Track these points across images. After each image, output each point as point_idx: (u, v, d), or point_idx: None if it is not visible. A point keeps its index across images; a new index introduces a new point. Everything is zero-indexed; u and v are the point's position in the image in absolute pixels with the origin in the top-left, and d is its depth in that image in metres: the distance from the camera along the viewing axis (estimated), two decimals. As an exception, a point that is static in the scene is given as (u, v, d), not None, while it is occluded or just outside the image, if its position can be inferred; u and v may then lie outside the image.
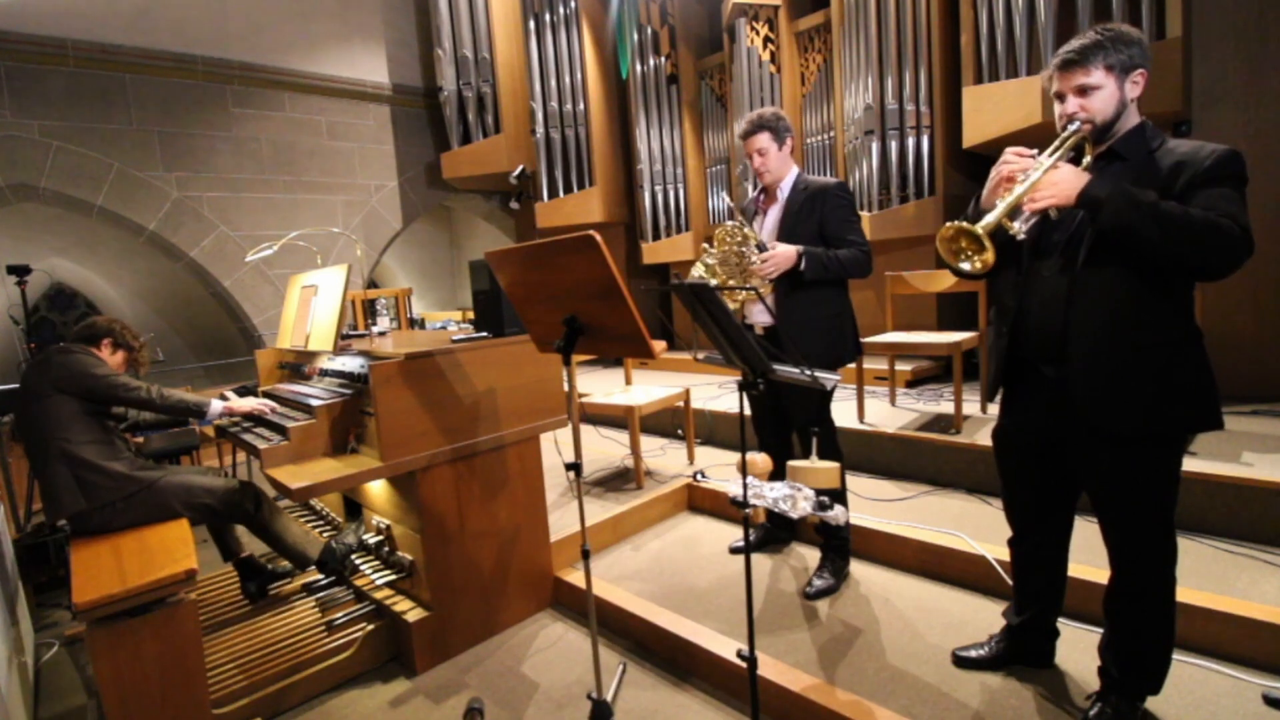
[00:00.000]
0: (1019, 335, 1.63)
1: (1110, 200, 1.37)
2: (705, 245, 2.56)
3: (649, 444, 4.18)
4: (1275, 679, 1.80)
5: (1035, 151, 1.53)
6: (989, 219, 1.44)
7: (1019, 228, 1.46)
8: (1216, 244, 1.31)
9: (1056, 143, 1.50)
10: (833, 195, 2.37)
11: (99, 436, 2.28)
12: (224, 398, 2.60)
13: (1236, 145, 1.41)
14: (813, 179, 2.44)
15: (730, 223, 2.45)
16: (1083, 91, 1.47)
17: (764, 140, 2.40)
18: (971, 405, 3.64)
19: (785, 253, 2.30)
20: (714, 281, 2.44)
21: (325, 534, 2.95)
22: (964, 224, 1.45)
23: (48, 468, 2.21)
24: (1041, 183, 1.43)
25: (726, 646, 2.08)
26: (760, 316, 2.49)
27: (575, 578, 2.66)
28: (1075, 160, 1.53)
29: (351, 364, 2.50)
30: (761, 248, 2.35)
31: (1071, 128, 1.49)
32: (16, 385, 4.13)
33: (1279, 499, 2.34)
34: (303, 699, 2.20)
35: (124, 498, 2.25)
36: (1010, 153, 1.54)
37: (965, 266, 1.50)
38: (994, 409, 1.84)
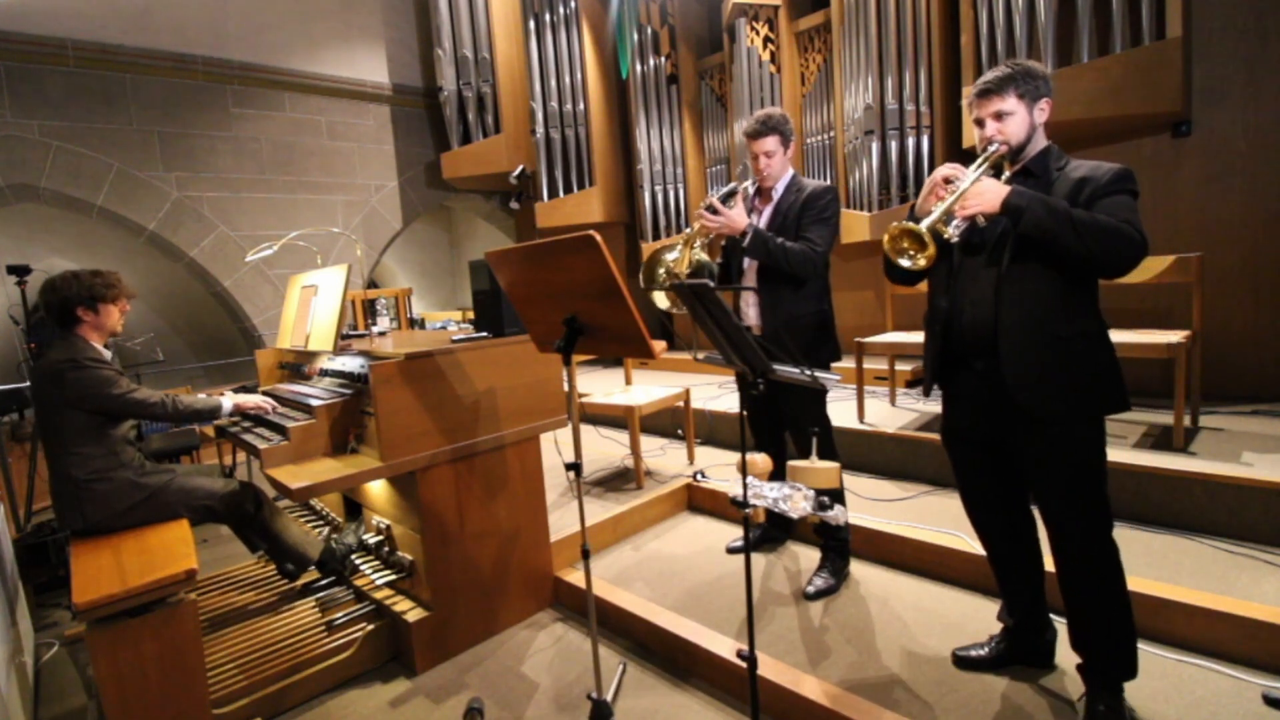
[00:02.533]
0: (951, 332, 1.75)
1: (1030, 208, 1.55)
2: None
3: (649, 444, 4.19)
4: (1275, 679, 1.80)
5: (965, 168, 1.70)
6: (929, 219, 1.61)
7: (952, 231, 1.65)
8: (1120, 244, 1.49)
9: (979, 160, 1.68)
10: (815, 196, 2.41)
11: (107, 448, 2.27)
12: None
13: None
14: (806, 182, 2.47)
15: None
16: (999, 117, 1.67)
17: (772, 143, 2.42)
18: (971, 405, 3.63)
19: (736, 215, 2.36)
20: (675, 253, 2.47)
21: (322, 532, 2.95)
22: (909, 224, 1.62)
23: (55, 478, 2.24)
24: (969, 193, 1.61)
25: (726, 646, 2.08)
26: (755, 317, 2.50)
27: (575, 578, 2.66)
28: (996, 176, 1.70)
29: (351, 364, 2.50)
30: (725, 199, 2.41)
31: (991, 148, 1.68)
32: (17, 385, 4.17)
33: (1279, 499, 2.35)
34: (303, 699, 2.21)
35: (128, 507, 2.26)
36: (945, 166, 1.72)
37: (906, 264, 1.66)
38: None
